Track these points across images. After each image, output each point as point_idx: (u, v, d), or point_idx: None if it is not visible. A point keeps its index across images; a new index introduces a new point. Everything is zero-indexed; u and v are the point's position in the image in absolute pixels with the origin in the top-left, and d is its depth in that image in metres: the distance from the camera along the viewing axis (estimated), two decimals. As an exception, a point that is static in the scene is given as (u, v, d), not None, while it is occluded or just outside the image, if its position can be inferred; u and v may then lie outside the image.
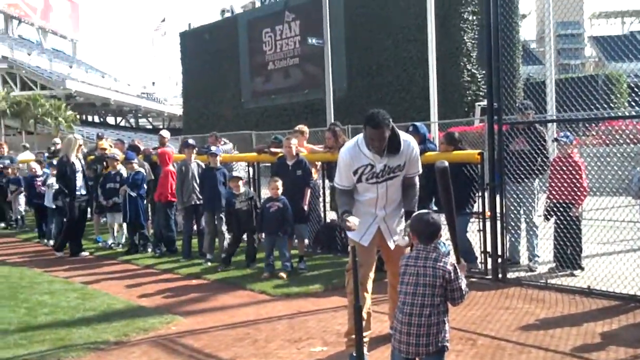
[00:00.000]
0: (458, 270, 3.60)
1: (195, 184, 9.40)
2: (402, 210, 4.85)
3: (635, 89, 6.77)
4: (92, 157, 12.47)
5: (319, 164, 9.38)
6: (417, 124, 8.18)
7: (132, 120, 76.00)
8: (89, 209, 11.43)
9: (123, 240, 10.79)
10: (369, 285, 4.87)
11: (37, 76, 60.30)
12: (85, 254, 10.12)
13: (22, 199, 13.67)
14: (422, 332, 3.50)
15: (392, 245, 4.86)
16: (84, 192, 10.24)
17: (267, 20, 39.46)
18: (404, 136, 4.71)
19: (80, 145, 10.50)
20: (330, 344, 5.19)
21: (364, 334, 4.53)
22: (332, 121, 17.04)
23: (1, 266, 9.41)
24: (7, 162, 14.36)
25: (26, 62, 63.73)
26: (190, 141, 10.24)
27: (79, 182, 10.11)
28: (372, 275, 4.91)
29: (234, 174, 9.16)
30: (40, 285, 7.91)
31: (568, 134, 7.38)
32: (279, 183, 8.02)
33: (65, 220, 10.31)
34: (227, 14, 43.77)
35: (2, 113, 46.77)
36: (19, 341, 5.57)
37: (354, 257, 4.22)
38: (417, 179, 4.89)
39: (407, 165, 4.71)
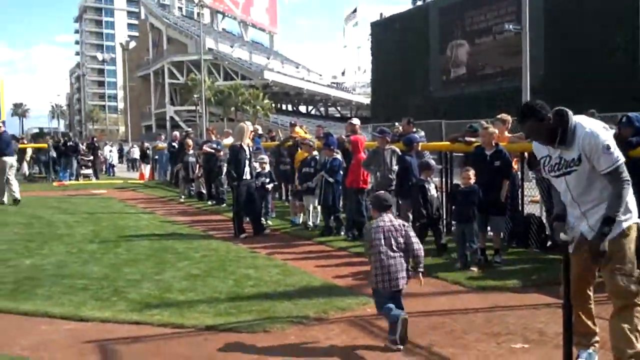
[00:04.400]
0: None
1: (386, 171, 9.50)
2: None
3: None
4: (289, 143, 13.20)
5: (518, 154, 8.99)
6: (632, 114, 7.44)
7: (322, 109, 78.83)
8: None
9: (318, 221, 11.23)
10: (589, 292, 4.28)
11: (238, 67, 64.91)
12: (267, 231, 10.88)
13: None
14: None
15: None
16: (248, 176, 10.78)
17: (458, 8, 38.68)
18: (585, 124, 3.98)
19: (251, 132, 11.18)
20: (532, 342, 4.98)
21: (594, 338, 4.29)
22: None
23: (210, 240, 10.29)
24: (216, 145, 15.68)
25: (229, 53, 68.80)
26: (384, 129, 10.41)
27: (247, 167, 10.69)
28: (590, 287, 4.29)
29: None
30: (245, 259, 8.50)
31: None
32: (471, 173, 7.82)
33: (237, 202, 10.80)
34: (419, 2, 43.64)
35: (207, 101, 51.40)
36: (228, 310, 6.01)
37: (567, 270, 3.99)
38: (614, 176, 3.87)
39: (590, 159, 3.93)
